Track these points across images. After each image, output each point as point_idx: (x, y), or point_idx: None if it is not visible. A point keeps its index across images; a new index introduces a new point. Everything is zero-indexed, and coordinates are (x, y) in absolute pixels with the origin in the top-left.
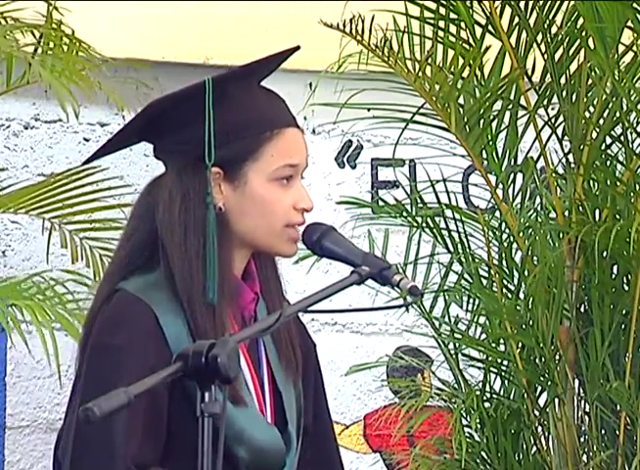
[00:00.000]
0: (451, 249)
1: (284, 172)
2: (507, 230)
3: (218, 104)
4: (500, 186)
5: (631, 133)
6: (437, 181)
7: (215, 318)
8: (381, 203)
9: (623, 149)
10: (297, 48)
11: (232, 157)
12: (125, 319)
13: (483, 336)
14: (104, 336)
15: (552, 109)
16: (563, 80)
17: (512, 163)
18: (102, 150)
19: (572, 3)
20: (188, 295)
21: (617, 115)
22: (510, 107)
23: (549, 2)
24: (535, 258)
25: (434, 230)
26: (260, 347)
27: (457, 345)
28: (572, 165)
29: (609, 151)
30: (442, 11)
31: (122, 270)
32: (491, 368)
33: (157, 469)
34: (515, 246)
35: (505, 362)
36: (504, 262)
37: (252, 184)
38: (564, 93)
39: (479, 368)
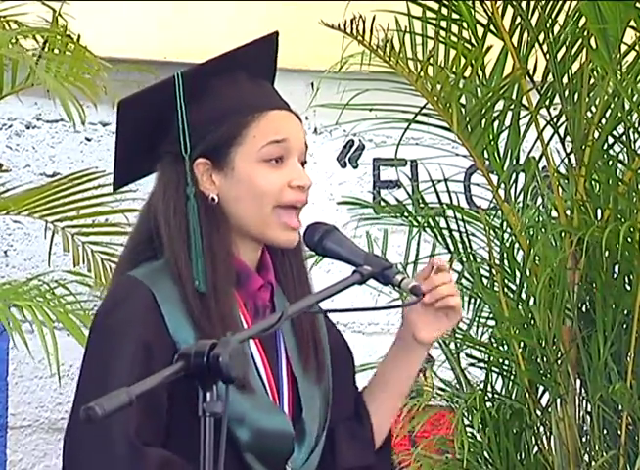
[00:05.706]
0: (452, 249)
1: (271, 151)
2: (509, 230)
3: (199, 95)
4: (502, 186)
5: (633, 133)
6: (439, 181)
7: (211, 305)
8: (382, 203)
9: (625, 149)
10: (276, 34)
11: (216, 145)
12: (123, 299)
13: (485, 336)
14: (103, 317)
15: (554, 109)
16: (565, 80)
17: (514, 162)
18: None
19: (575, 3)
20: (182, 283)
21: (619, 115)
22: (512, 107)
23: (551, 2)
24: (537, 257)
25: (436, 230)
26: (279, 340)
27: (458, 344)
28: (574, 165)
29: (610, 151)
30: (444, 11)
31: (131, 261)
32: (493, 368)
33: (158, 450)
34: (516, 246)
35: (507, 362)
36: (506, 262)
37: (240, 168)
38: (566, 93)
39: (480, 368)
